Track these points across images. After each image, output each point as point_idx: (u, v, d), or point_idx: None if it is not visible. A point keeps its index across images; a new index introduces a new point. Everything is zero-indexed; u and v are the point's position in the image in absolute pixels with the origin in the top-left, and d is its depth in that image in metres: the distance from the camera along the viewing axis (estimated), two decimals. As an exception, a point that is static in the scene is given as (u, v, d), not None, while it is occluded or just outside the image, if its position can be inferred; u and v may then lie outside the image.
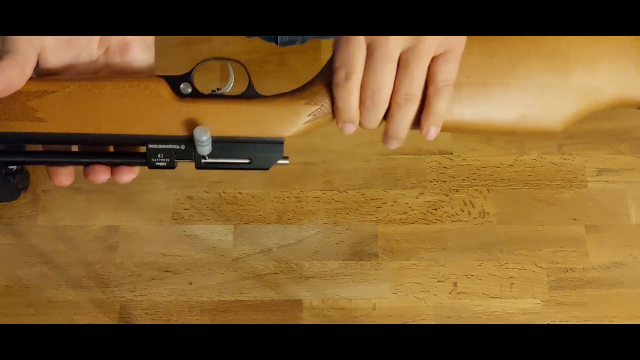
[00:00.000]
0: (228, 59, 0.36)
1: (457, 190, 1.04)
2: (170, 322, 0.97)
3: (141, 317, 0.97)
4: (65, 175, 0.37)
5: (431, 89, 0.32)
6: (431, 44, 0.31)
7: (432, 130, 0.35)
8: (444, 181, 1.05)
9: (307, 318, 0.97)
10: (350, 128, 0.36)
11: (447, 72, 0.32)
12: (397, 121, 0.35)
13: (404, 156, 1.06)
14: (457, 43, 0.32)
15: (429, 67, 0.32)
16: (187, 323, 0.97)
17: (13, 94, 0.32)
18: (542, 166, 1.06)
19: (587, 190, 1.04)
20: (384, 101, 0.33)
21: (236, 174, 1.05)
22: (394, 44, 0.31)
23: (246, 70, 0.35)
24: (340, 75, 0.32)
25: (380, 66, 0.31)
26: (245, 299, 0.98)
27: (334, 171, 1.05)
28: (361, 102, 0.33)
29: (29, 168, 1.05)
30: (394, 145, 0.37)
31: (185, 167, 1.09)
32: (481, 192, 1.04)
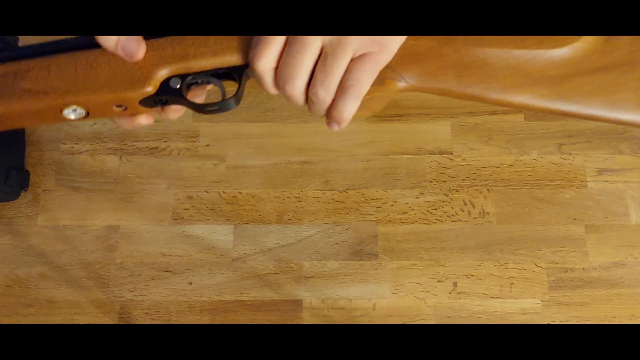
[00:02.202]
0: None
1: (457, 190, 1.04)
2: (170, 322, 0.97)
3: (141, 317, 0.97)
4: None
5: (338, 87, 0.32)
6: (351, 42, 0.31)
7: (333, 127, 0.34)
8: (444, 181, 1.05)
9: (307, 318, 0.97)
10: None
11: (358, 73, 0.32)
12: (313, 112, 0.34)
13: (404, 156, 1.06)
14: (378, 48, 0.32)
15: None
16: (187, 323, 0.97)
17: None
18: (542, 166, 1.06)
19: (587, 190, 1.04)
20: (297, 91, 0.32)
21: (236, 174, 1.05)
22: (313, 37, 0.31)
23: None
24: (250, 54, 0.33)
25: (296, 54, 0.31)
26: (245, 299, 0.98)
27: (334, 171, 1.05)
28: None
29: (29, 168, 1.05)
30: (333, 128, 0.35)
31: (186, 166, 1.09)
32: (481, 192, 1.04)
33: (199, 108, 0.35)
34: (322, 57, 0.32)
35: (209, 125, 1.08)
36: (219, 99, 0.35)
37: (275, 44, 0.31)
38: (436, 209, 1.03)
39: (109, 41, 0.32)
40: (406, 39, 0.34)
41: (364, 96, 0.33)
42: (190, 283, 0.99)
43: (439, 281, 0.99)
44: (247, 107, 1.09)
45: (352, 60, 0.32)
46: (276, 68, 0.32)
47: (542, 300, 0.98)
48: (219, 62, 0.34)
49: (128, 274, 0.99)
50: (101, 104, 0.34)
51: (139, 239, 1.01)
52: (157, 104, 0.35)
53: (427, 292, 0.98)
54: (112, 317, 0.97)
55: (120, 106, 0.34)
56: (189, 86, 0.35)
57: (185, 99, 0.34)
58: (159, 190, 1.04)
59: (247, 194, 1.04)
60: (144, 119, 0.37)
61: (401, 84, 0.35)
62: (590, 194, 1.04)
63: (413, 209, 1.03)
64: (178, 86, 0.34)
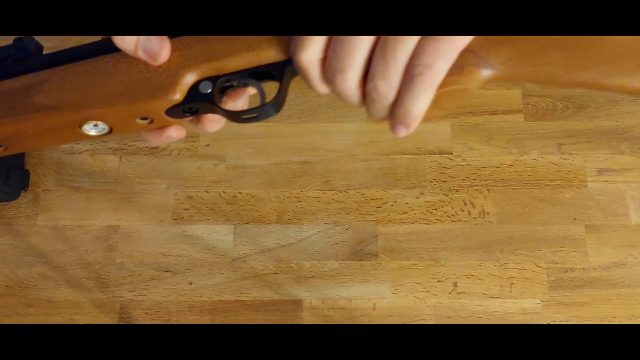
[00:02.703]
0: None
1: (457, 190, 1.04)
2: (170, 322, 0.97)
3: (141, 317, 0.97)
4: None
5: (403, 77, 0.25)
6: None
7: (399, 130, 0.27)
8: (444, 181, 1.05)
9: (307, 318, 0.97)
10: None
11: (430, 56, 0.24)
12: (372, 113, 0.28)
13: (404, 156, 1.06)
14: None
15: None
16: (187, 323, 0.97)
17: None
18: (542, 166, 1.06)
19: (587, 190, 1.04)
20: (350, 85, 0.26)
21: (236, 174, 1.05)
22: None
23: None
24: (291, 45, 0.27)
25: (347, 39, 0.25)
26: (245, 299, 0.98)
27: (334, 171, 1.05)
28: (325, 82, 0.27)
29: (29, 168, 1.05)
30: (398, 132, 0.28)
31: (186, 166, 1.09)
32: (481, 192, 1.04)
33: (234, 116, 0.29)
34: (381, 39, 0.25)
35: (209, 125, 1.08)
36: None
37: None
38: (436, 209, 1.03)
39: (127, 42, 0.28)
40: None
41: (437, 89, 0.26)
42: (190, 283, 0.99)
43: (439, 281, 0.99)
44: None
45: (420, 39, 0.25)
46: (324, 59, 0.26)
47: (542, 300, 0.98)
48: (256, 59, 0.28)
49: (128, 274, 0.99)
50: (122, 117, 0.30)
51: (139, 239, 1.01)
52: (187, 114, 0.30)
53: (427, 292, 0.98)
54: (112, 317, 0.97)
55: (145, 118, 0.30)
56: (222, 90, 0.30)
57: (217, 105, 0.29)
58: (159, 190, 1.04)
59: (247, 194, 1.04)
60: (175, 132, 0.32)
61: (486, 72, 0.27)
62: (590, 194, 1.04)
63: (413, 209, 1.03)
64: (209, 90, 0.29)
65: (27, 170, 1.05)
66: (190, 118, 0.31)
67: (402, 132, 0.27)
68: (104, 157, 1.06)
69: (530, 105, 1.10)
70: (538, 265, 1.00)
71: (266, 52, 0.28)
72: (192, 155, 1.07)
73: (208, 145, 1.07)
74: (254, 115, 0.29)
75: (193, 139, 1.07)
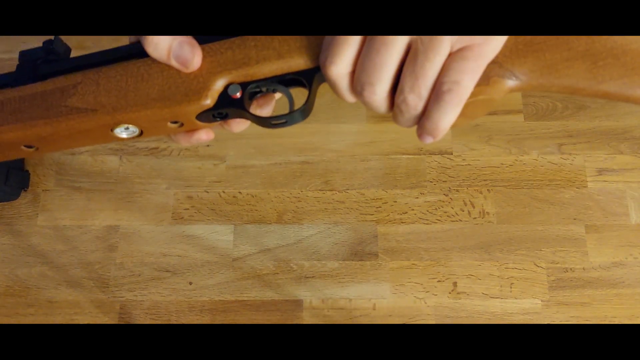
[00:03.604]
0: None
1: (457, 190, 1.04)
2: (170, 322, 0.97)
3: (141, 317, 0.97)
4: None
5: (432, 93, 0.26)
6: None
7: (426, 139, 0.28)
8: (444, 181, 1.05)
9: (307, 318, 0.97)
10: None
11: (458, 73, 0.25)
12: (400, 122, 0.29)
13: (404, 156, 1.06)
14: (481, 39, 0.25)
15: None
16: (187, 323, 0.97)
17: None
18: (542, 166, 1.06)
19: (587, 190, 1.04)
20: (379, 97, 0.27)
21: (236, 174, 1.05)
22: None
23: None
24: (321, 58, 0.27)
25: (376, 54, 0.25)
26: (245, 299, 0.98)
27: (334, 171, 1.05)
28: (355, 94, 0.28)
29: (29, 168, 1.05)
30: (425, 141, 0.29)
31: (186, 166, 1.09)
32: (481, 192, 1.04)
33: (264, 122, 0.30)
34: (411, 54, 0.25)
35: (209, 125, 1.08)
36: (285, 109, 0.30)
37: (351, 43, 0.26)
38: (436, 209, 1.03)
39: (159, 50, 0.28)
40: None
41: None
42: (190, 283, 0.99)
43: (439, 281, 0.99)
44: (247, 107, 1.08)
45: (449, 55, 0.26)
46: (353, 72, 0.27)
47: (542, 300, 0.98)
48: (286, 66, 0.29)
49: (128, 274, 0.99)
50: (154, 121, 0.30)
51: (139, 239, 1.01)
52: (217, 118, 0.31)
53: (427, 292, 0.98)
54: (112, 317, 0.97)
55: (175, 122, 0.30)
56: (252, 96, 0.31)
57: (247, 111, 0.30)
58: (159, 190, 1.04)
59: (247, 194, 1.04)
60: (204, 135, 0.33)
61: (511, 83, 0.28)
62: (590, 194, 1.04)
63: (413, 209, 1.03)
64: (239, 96, 0.29)
65: (27, 171, 1.05)
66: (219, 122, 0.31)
67: (429, 141, 0.28)
68: (104, 157, 1.06)
69: (530, 106, 1.10)
70: (538, 265, 1.00)
71: (296, 59, 0.28)
72: (192, 155, 1.07)
73: (208, 145, 1.07)
74: (283, 121, 0.30)
75: (193, 139, 1.07)
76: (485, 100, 0.28)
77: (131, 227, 1.02)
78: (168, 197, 1.04)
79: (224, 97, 0.29)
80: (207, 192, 1.04)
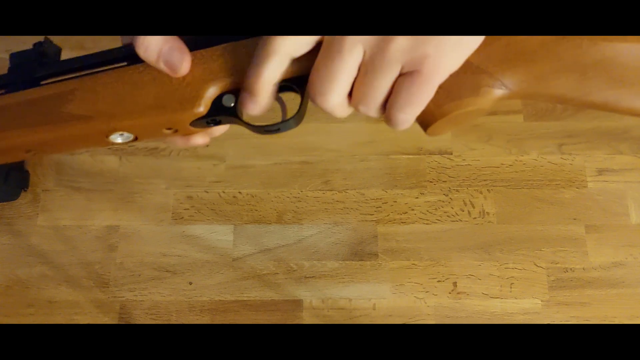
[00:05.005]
0: None
1: (457, 190, 1.04)
2: (170, 322, 0.97)
3: (141, 317, 0.97)
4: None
5: (389, 101, 0.28)
6: (396, 56, 0.26)
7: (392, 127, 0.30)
8: (444, 181, 1.05)
9: (307, 318, 0.97)
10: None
11: (408, 95, 0.27)
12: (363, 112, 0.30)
13: (404, 156, 1.06)
14: (431, 65, 0.26)
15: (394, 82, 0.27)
16: (187, 323, 0.97)
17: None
18: (542, 166, 1.06)
19: (587, 190, 1.04)
20: (331, 105, 0.29)
21: (236, 174, 1.05)
22: (352, 42, 0.26)
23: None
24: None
25: (330, 65, 0.27)
26: (245, 299, 0.98)
27: (334, 171, 1.05)
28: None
29: (29, 168, 1.05)
30: (391, 125, 0.30)
31: (185, 167, 1.09)
32: (481, 192, 1.04)
33: (257, 129, 0.31)
34: (361, 70, 0.27)
35: (209, 125, 1.08)
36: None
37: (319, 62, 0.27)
38: (436, 209, 1.03)
39: (149, 53, 0.28)
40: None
41: (455, 112, 0.28)
42: (190, 283, 0.99)
43: (439, 281, 0.99)
44: (247, 107, 1.08)
45: (400, 76, 0.27)
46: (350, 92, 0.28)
47: (542, 300, 0.98)
48: None
49: (128, 274, 0.99)
50: (149, 128, 0.31)
51: (139, 239, 1.01)
52: (210, 125, 0.31)
53: (427, 292, 0.98)
54: (112, 317, 0.97)
55: (170, 128, 0.31)
56: None
57: (240, 119, 0.30)
58: (158, 191, 1.04)
59: (247, 194, 1.04)
60: (200, 139, 0.33)
61: (500, 92, 0.28)
62: (590, 194, 1.04)
63: (413, 209, 1.03)
64: (232, 104, 0.30)
65: (27, 171, 1.05)
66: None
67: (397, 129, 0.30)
68: (104, 157, 1.06)
69: (530, 106, 1.10)
70: (538, 265, 1.00)
71: (288, 66, 0.29)
72: (192, 155, 1.07)
73: (207, 145, 1.07)
74: (276, 128, 0.31)
75: (193, 139, 1.07)
76: (475, 111, 0.29)
77: (131, 227, 1.02)
78: (168, 197, 1.04)
79: (217, 105, 0.30)
80: (207, 192, 1.04)
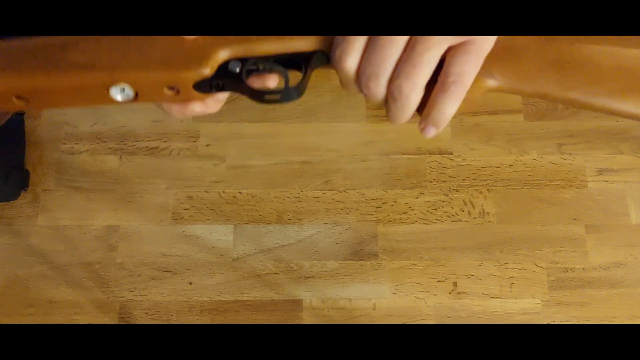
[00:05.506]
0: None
1: (457, 190, 1.04)
2: (170, 322, 0.97)
3: (141, 317, 0.97)
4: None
5: (438, 84, 0.28)
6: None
7: (429, 131, 0.30)
8: (444, 181, 1.05)
9: (307, 318, 0.97)
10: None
11: (461, 65, 0.27)
12: (392, 114, 0.30)
13: (404, 156, 1.06)
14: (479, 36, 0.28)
15: (444, 57, 0.28)
16: (187, 323, 0.97)
17: None
18: (542, 166, 1.06)
19: (587, 190, 1.04)
20: (382, 88, 0.29)
21: (236, 174, 1.05)
22: None
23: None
24: (336, 52, 0.29)
25: (381, 50, 0.27)
26: (245, 299, 0.98)
27: (334, 171, 1.05)
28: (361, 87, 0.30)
29: (29, 168, 1.05)
30: (429, 133, 0.31)
31: (186, 166, 1.09)
32: (481, 192, 1.04)
33: (258, 95, 0.31)
34: (409, 45, 0.27)
35: (209, 125, 1.08)
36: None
37: (361, 40, 0.28)
38: (436, 209, 1.03)
39: None
40: None
41: None
42: (190, 283, 0.99)
43: (439, 281, 0.99)
44: (248, 107, 1.09)
45: (450, 49, 0.28)
46: (359, 66, 0.29)
47: (542, 300, 0.98)
48: (285, 47, 0.30)
49: (128, 274, 0.99)
50: (152, 84, 0.31)
51: (139, 239, 1.01)
52: (213, 89, 0.31)
53: (427, 292, 0.98)
54: (112, 317, 0.97)
55: (172, 89, 0.31)
56: (248, 73, 0.32)
57: (244, 84, 0.31)
58: (159, 190, 1.04)
59: (247, 194, 1.04)
60: (198, 107, 0.33)
61: (491, 83, 0.30)
62: (590, 194, 1.04)
63: (413, 209, 1.03)
64: (238, 70, 0.31)
65: (27, 170, 1.04)
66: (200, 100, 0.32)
67: (432, 133, 0.30)
68: (104, 157, 1.06)
69: (530, 105, 1.10)
70: (538, 265, 1.00)
71: (295, 42, 0.30)
72: (192, 155, 1.07)
73: (208, 145, 1.07)
74: (277, 96, 0.31)
75: (193, 138, 1.07)
76: (468, 99, 0.30)
77: (131, 227, 1.02)
78: (168, 197, 1.04)
79: (223, 69, 0.31)
80: (207, 192, 1.04)
